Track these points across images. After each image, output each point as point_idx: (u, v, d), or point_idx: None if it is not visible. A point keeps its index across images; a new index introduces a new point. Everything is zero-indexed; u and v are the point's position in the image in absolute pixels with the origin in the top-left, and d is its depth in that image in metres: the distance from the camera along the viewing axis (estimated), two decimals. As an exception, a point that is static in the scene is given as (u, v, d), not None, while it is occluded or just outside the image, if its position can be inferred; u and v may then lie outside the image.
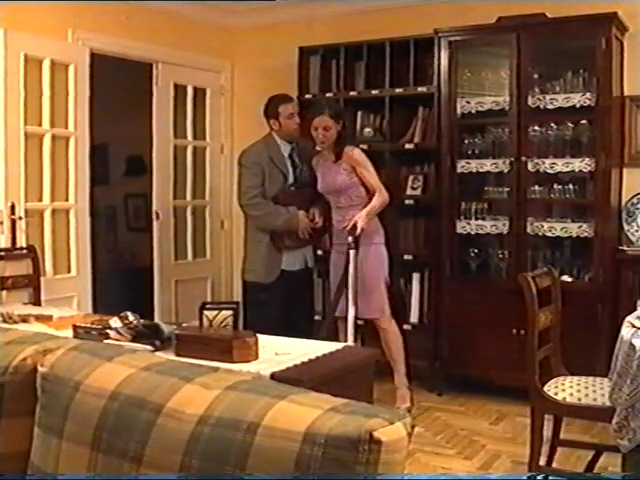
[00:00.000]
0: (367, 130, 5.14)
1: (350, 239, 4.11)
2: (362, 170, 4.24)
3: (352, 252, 4.12)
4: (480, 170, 4.61)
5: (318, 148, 4.34)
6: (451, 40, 4.58)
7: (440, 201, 4.69)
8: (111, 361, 1.58)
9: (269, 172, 4.47)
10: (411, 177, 5.03)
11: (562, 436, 3.29)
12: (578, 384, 3.02)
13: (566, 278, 4.32)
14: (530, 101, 4.40)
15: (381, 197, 4.22)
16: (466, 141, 4.68)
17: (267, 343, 2.69)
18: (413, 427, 1.27)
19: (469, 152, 4.67)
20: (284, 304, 4.49)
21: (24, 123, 4.42)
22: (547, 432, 3.11)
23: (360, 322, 4.37)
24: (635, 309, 3.19)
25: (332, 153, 4.29)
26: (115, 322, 2.77)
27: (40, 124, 4.55)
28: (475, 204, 4.70)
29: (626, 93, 4.55)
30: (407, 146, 5.00)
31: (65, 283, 4.70)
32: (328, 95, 5.25)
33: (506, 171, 4.50)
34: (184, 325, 2.84)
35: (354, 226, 4.11)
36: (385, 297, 4.33)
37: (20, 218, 4.41)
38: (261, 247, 4.51)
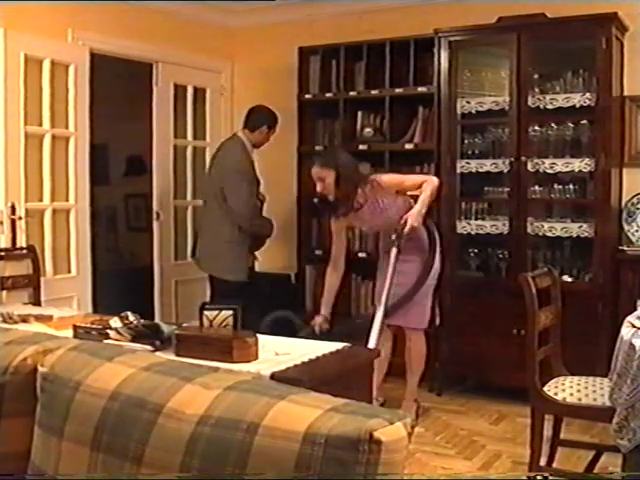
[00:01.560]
0: (367, 130, 5.14)
1: (394, 237, 3.94)
2: (402, 184, 4.06)
3: (394, 250, 3.94)
4: (480, 170, 4.61)
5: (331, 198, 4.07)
6: (451, 40, 4.58)
7: (440, 201, 4.68)
8: (111, 361, 1.58)
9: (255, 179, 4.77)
10: (411, 177, 5.03)
11: (562, 436, 3.29)
12: (578, 384, 3.02)
13: (566, 278, 4.32)
14: (530, 101, 4.40)
15: (429, 184, 3.99)
16: (466, 141, 4.68)
17: (267, 343, 2.68)
18: (413, 427, 1.27)
19: (469, 152, 4.67)
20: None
21: (24, 123, 4.42)
22: (547, 432, 3.11)
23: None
24: (635, 309, 3.18)
25: (352, 203, 4.02)
26: (115, 322, 2.77)
27: (40, 124, 4.55)
28: (475, 204, 4.71)
29: (626, 93, 4.56)
30: (407, 146, 5.00)
31: (65, 283, 4.70)
32: (328, 95, 5.25)
33: (506, 171, 4.50)
34: (184, 325, 2.84)
35: (405, 223, 3.91)
36: (428, 310, 4.14)
37: (20, 218, 4.41)
38: (244, 248, 4.70)
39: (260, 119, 4.78)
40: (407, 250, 3.98)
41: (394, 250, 3.95)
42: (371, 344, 3.80)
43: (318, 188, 3.98)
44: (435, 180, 4.07)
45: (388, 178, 4.08)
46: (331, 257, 4.25)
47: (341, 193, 3.97)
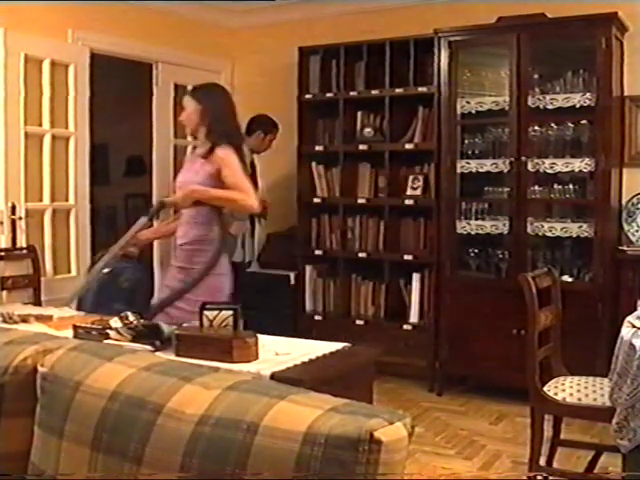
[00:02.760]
0: (367, 130, 5.14)
1: (155, 203, 3.35)
2: (227, 171, 3.25)
3: (143, 219, 3.36)
4: (480, 170, 4.61)
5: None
6: (451, 40, 4.58)
7: (440, 201, 4.69)
8: (111, 361, 1.58)
9: None
10: (411, 177, 5.03)
11: (562, 436, 3.29)
12: (578, 384, 3.02)
13: (566, 278, 4.32)
14: (530, 101, 4.40)
15: (237, 194, 3.22)
16: (466, 141, 4.68)
17: (267, 343, 2.68)
18: (413, 427, 1.27)
19: (469, 152, 4.67)
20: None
21: (24, 123, 4.42)
22: (547, 432, 3.11)
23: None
24: (635, 309, 3.19)
25: (206, 147, 3.39)
26: (115, 322, 2.76)
27: (40, 124, 4.55)
28: (475, 204, 4.70)
29: (626, 93, 4.56)
30: (407, 146, 5.00)
31: (65, 283, 4.69)
32: (328, 95, 5.25)
33: (506, 171, 4.50)
34: (184, 325, 2.83)
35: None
36: None
37: (20, 218, 4.42)
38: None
39: (255, 125, 5.06)
40: (187, 258, 3.35)
41: (142, 219, 3.36)
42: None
43: (181, 116, 3.53)
44: (246, 198, 3.24)
45: (229, 159, 3.27)
46: None
47: (195, 130, 3.43)
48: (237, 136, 3.46)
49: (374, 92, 5.08)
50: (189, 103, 3.44)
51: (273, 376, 2.30)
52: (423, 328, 4.86)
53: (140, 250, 3.61)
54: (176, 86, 5.57)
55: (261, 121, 5.14)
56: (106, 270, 3.42)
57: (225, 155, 3.29)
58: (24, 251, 4.40)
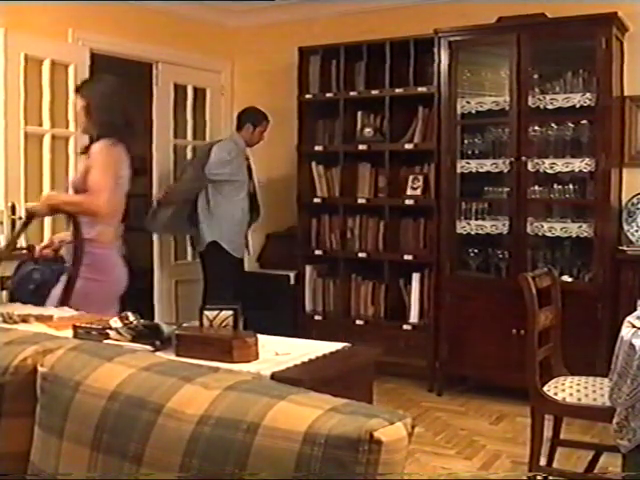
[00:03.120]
0: (367, 130, 5.14)
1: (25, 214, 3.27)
2: (92, 169, 3.20)
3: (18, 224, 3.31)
4: (480, 170, 4.61)
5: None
6: (451, 40, 4.58)
7: (440, 201, 4.69)
8: (111, 361, 1.58)
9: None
10: (411, 177, 5.04)
11: (562, 436, 3.29)
12: (578, 384, 3.02)
13: (566, 278, 4.32)
14: (530, 101, 4.40)
15: (82, 197, 3.19)
16: (466, 141, 4.68)
17: (267, 343, 2.68)
18: (413, 427, 1.27)
19: (469, 152, 4.67)
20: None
21: (24, 123, 4.42)
22: (547, 432, 3.11)
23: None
24: (635, 309, 3.18)
25: (91, 140, 3.37)
26: (115, 322, 2.76)
27: (40, 124, 4.55)
28: (475, 204, 4.70)
29: (626, 93, 4.56)
30: (407, 146, 5.00)
31: (65, 283, 4.69)
32: (328, 95, 5.25)
33: (506, 171, 4.50)
34: (184, 325, 2.83)
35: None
36: None
37: (20, 218, 4.41)
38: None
39: (244, 118, 5.12)
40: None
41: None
42: None
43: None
44: (91, 201, 3.21)
45: (99, 156, 3.25)
46: None
47: (86, 126, 3.37)
48: (120, 129, 3.37)
49: (374, 92, 5.08)
50: (76, 99, 3.36)
51: (273, 376, 2.30)
52: (423, 328, 4.86)
53: (55, 251, 3.59)
54: (176, 86, 5.58)
55: (249, 113, 5.15)
56: (30, 267, 3.52)
57: (97, 151, 3.22)
58: (24, 251, 4.39)
